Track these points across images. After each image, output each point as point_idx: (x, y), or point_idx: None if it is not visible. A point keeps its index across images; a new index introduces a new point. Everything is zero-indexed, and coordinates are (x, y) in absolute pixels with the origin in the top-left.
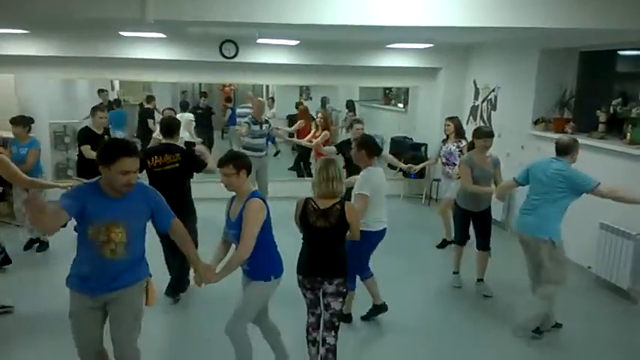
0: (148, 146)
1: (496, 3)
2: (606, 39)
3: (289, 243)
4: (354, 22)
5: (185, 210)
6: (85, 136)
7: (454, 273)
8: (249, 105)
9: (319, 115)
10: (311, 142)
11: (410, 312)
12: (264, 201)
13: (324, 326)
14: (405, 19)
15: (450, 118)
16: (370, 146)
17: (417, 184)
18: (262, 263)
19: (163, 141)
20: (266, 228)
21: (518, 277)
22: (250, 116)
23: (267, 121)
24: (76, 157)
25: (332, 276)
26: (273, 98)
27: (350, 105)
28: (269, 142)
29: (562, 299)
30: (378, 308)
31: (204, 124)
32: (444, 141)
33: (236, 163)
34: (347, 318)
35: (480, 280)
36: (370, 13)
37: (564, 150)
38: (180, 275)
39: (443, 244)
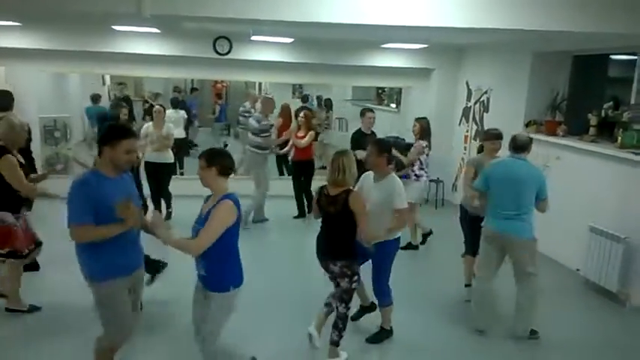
0: None
1: (493, 5)
2: (599, 43)
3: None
4: (350, 21)
5: None
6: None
7: (466, 286)
8: (246, 103)
9: (301, 114)
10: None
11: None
12: (238, 206)
13: (334, 297)
14: (401, 18)
15: (418, 119)
16: (391, 151)
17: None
18: (220, 272)
19: None
20: (232, 233)
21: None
22: (258, 114)
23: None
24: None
25: (336, 258)
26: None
27: (327, 103)
28: None
29: (551, 302)
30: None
31: None
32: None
33: (209, 157)
34: (389, 333)
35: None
36: (366, 12)
37: (524, 147)
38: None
39: (407, 247)
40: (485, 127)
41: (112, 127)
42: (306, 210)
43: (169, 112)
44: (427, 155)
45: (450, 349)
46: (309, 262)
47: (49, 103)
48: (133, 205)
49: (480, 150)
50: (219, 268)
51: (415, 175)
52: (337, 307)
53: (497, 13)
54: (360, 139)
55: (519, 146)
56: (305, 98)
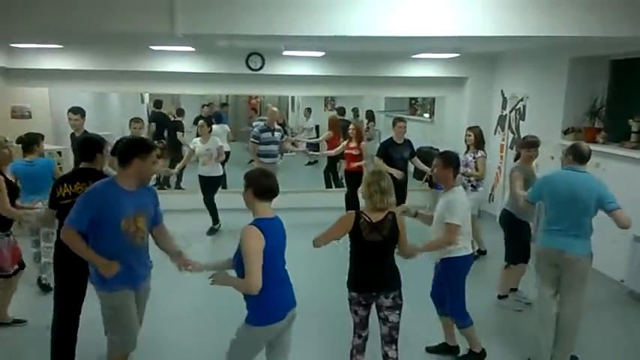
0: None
1: (523, 12)
2: (637, 47)
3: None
4: (378, 34)
5: None
6: None
7: (499, 297)
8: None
9: (351, 126)
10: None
11: None
12: (267, 230)
13: (384, 340)
14: (431, 29)
15: (471, 128)
16: (457, 164)
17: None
18: (248, 304)
19: (82, 165)
20: (263, 262)
21: None
22: (263, 124)
23: (279, 130)
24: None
25: (389, 289)
26: (309, 109)
27: (369, 115)
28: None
29: (594, 313)
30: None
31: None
32: (466, 152)
33: (247, 178)
34: (479, 356)
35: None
36: (394, 24)
37: (588, 157)
38: None
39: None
40: (522, 136)
41: (141, 140)
42: None
43: (216, 127)
44: (476, 163)
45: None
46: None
47: (91, 121)
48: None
49: (517, 158)
50: (248, 299)
51: (472, 185)
52: (387, 354)
53: (527, 20)
54: (388, 148)
55: (584, 157)
56: (341, 111)
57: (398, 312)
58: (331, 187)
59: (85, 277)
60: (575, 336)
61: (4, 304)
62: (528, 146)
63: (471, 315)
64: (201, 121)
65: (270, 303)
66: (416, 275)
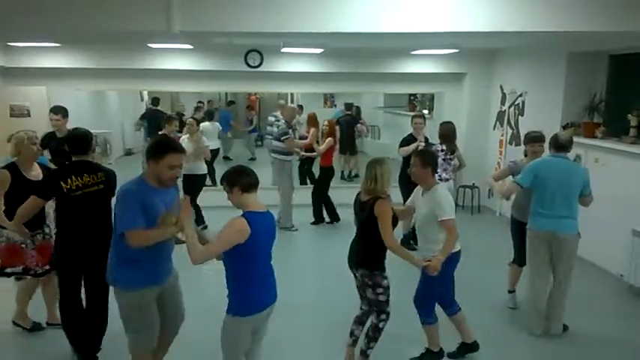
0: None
1: (521, 7)
2: (636, 41)
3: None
4: (376, 30)
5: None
6: None
7: (509, 292)
8: (276, 113)
9: (325, 122)
10: (313, 151)
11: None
12: (256, 225)
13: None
14: (429, 25)
15: (441, 123)
16: (435, 163)
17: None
18: (231, 293)
19: (74, 158)
20: (243, 256)
21: None
22: (283, 121)
23: (296, 129)
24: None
25: (357, 266)
26: (301, 106)
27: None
28: None
29: (594, 307)
30: (469, 347)
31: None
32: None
33: (228, 180)
34: (438, 355)
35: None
36: (392, 21)
37: (566, 146)
38: None
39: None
40: (522, 131)
41: (158, 142)
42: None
43: (206, 124)
44: (444, 160)
45: (499, 354)
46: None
47: (89, 120)
48: (173, 216)
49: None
50: (232, 289)
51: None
52: (372, 318)
53: (524, 15)
54: (410, 142)
55: (561, 145)
56: (349, 106)
57: (370, 290)
58: (306, 184)
59: (81, 264)
60: (563, 309)
61: (24, 299)
62: (532, 141)
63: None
64: (190, 119)
65: (254, 295)
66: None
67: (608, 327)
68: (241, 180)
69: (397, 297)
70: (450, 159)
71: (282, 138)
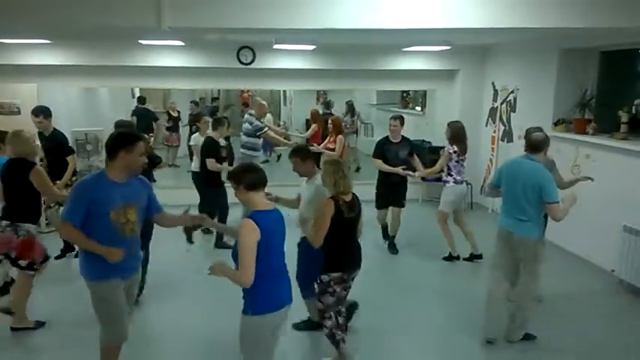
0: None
1: (512, 4)
2: (626, 38)
3: None
4: (367, 26)
5: None
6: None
7: None
8: (252, 111)
9: (330, 120)
10: (328, 148)
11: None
12: (263, 223)
13: (343, 306)
14: (420, 21)
15: (449, 123)
16: (309, 154)
17: (435, 188)
18: (246, 293)
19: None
20: (259, 253)
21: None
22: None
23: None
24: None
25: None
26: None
27: (350, 108)
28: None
29: (585, 303)
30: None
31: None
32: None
33: (234, 176)
34: (315, 324)
35: None
36: (384, 17)
37: (538, 146)
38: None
39: (449, 258)
40: (513, 127)
41: (124, 133)
42: None
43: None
44: (458, 162)
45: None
46: None
47: (80, 117)
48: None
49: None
50: (247, 288)
51: (443, 181)
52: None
53: (515, 12)
54: (383, 146)
55: (531, 145)
56: (328, 105)
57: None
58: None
59: None
60: (526, 312)
61: (23, 304)
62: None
63: None
64: (205, 118)
65: (265, 294)
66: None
67: (600, 322)
68: (246, 178)
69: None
70: (463, 160)
71: (258, 134)
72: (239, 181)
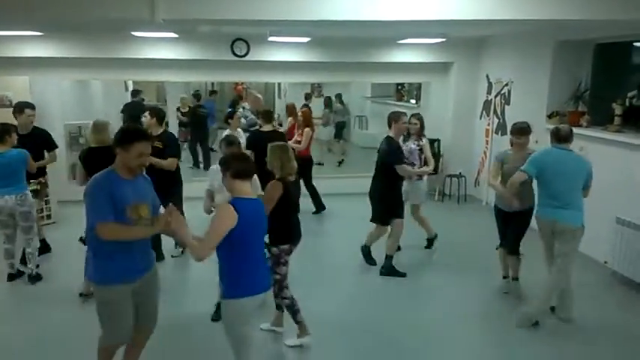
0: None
1: None
2: (621, 30)
3: None
4: (362, 18)
5: None
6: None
7: (503, 277)
8: (245, 104)
9: (299, 113)
10: (296, 141)
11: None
12: (243, 211)
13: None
14: (415, 13)
15: (415, 115)
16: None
17: (429, 180)
18: (224, 277)
19: None
20: (234, 241)
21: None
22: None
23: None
24: None
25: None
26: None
27: (326, 101)
28: None
29: (578, 294)
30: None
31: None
32: (405, 139)
33: (223, 163)
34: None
35: (515, 279)
36: (379, 8)
37: (567, 138)
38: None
39: (429, 244)
40: (507, 120)
41: (126, 130)
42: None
43: None
44: (421, 151)
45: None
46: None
47: (73, 110)
48: (145, 206)
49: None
50: (225, 272)
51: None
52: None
53: (512, 3)
54: (400, 150)
55: (563, 137)
56: (307, 96)
57: None
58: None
59: None
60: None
61: None
62: (518, 133)
63: None
64: (237, 113)
65: (244, 279)
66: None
67: (593, 313)
68: (235, 165)
69: None
70: None
71: (251, 128)
72: (227, 167)
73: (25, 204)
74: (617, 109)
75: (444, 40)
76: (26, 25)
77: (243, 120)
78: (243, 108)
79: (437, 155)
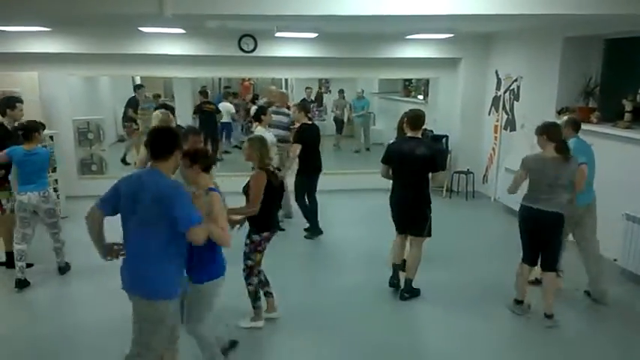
0: None
1: None
2: (631, 26)
3: None
4: (371, 12)
5: None
6: None
7: (516, 302)
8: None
9: (292, 108)
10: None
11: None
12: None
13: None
14: (424, 7)
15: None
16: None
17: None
18: (203, 260)
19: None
20: None
21: None
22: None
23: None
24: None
25: None
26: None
27: (317, 96)
28: None
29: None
30: None
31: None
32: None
33: (192, 157)
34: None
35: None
36: (388, 3)
37: (580, 125)
38: None
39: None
40: (516, 116)
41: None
42: None
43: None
44: None
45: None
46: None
47: (81, 106)
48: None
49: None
50: (204, 256)
51: None
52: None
53: None
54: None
55: (579, 127)
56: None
57: None
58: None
59: None
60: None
61: None
62: (536, 133)
63: None
64: (271, 108)
65: (218, 261)
66: None
67: (603, 311)
68: (202, 161)
69: None
70: None
71: (290, 127)
72: (195, 160)
73: (49, 201)
74: (628, 106)
75: (452, 35)
76: (35, 20)
77: (283, 118)
78: (278, 106)
79: (445, 152)
